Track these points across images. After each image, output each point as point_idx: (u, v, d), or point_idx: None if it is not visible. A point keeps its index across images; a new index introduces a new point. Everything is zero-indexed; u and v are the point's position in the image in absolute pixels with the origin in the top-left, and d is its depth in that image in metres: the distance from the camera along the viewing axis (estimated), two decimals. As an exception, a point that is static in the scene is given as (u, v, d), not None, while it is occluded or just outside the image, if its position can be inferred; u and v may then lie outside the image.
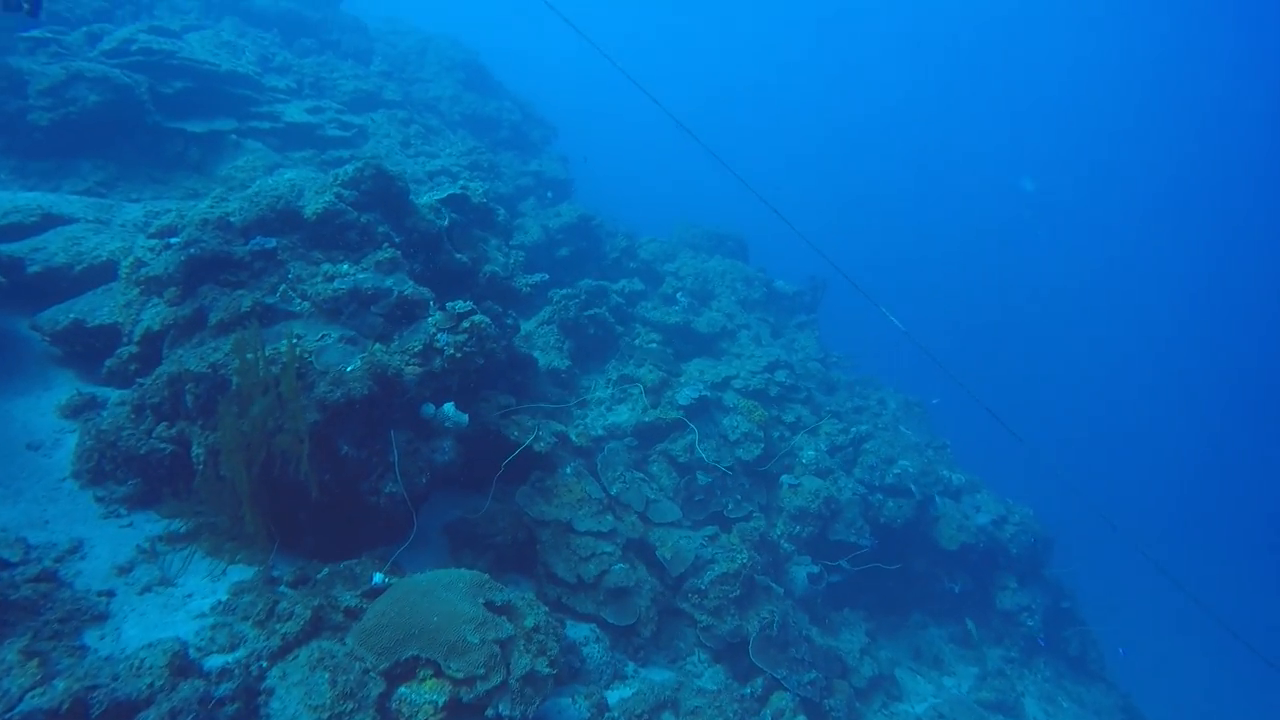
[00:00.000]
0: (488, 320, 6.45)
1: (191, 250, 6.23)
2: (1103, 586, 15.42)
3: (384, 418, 6.15)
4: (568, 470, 8.14)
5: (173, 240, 6.60)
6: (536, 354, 10.72)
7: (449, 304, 6.49)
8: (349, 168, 7.08)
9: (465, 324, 6.35)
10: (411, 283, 6.58)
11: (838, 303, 15.94)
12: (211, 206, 7.10)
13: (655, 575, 8.18)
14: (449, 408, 6.39)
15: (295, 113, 11.00)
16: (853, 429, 11.79)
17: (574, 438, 8.59)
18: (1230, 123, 54.18)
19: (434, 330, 6.35)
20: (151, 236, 6.93)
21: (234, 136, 10.25)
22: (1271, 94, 50.60)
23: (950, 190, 58.63)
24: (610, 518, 8.03)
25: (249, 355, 5.37)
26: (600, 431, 9.25)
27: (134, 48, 9.74)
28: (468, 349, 6.32)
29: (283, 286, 6.32)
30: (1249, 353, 49.94)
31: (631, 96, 10.78)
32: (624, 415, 10.42)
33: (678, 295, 12.98)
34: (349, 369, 5.83)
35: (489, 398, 8.18)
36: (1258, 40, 48.49)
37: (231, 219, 6.78)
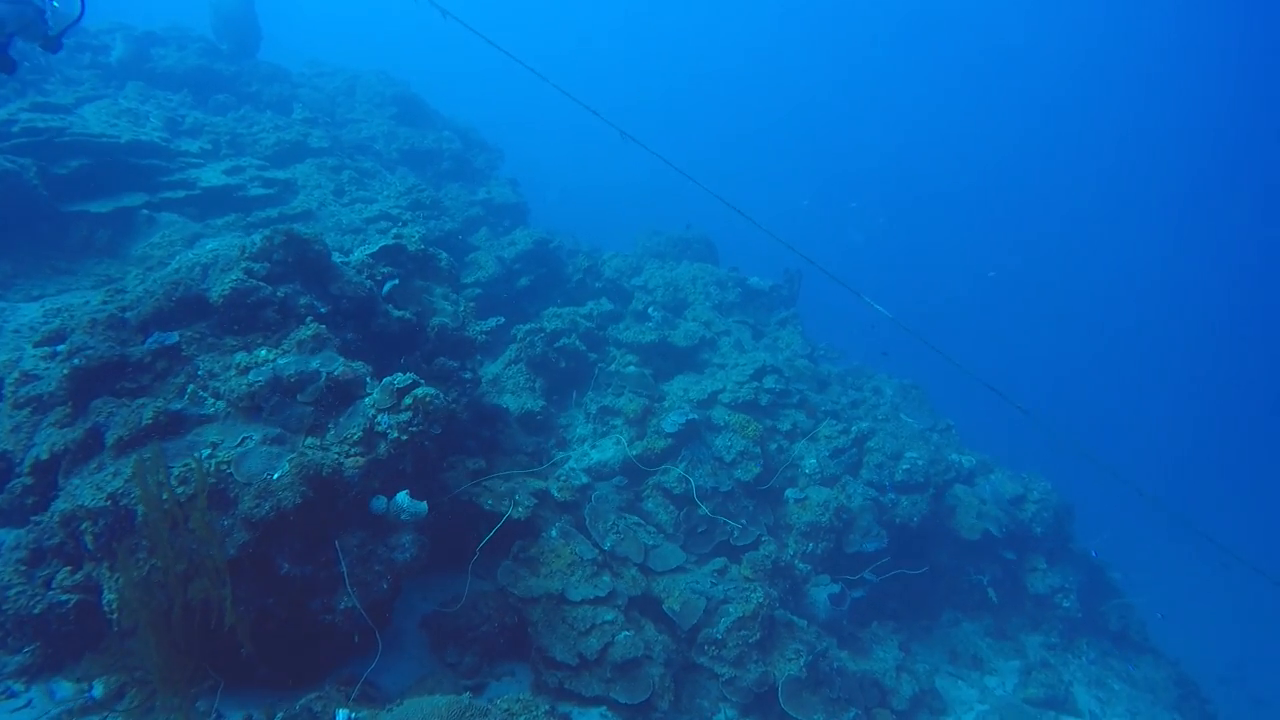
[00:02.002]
0: (433, 391, 5.54)
1: (76, 360, 5.29)
2: (1127, 550, 14.73)
3: (328, 523, 5.24)
4: (553, 533, 7.25)
5: (60, 348, 5.65)
6: (507, 397, 9.84)
7: (387, 379, 5.58)
8: (256, 237, 6.14)
9: (407, 400, 5.44)
10: (341, 360, 5.66)
11: (816, 291, 15.14)
12: (104, 301, 6.15)
13: (666, 631, 7.31)
14: (403, 498, 5.48)
15: (213, 176, 10.02)
16: (853, 428, 10.96)
17: (556, 493, 7.69)
18: (1224, 91, 53.75)
19: (372, 412, 5.44)
20: (39, 344, 5.97)
21: (145, 211, 9.25)
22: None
23: (926, 165, 57.94)
24: (607, 577, 7.15)
25: (151, 481, 4.44)
26: (584, 479, 8.36)
27: (15, 129, 8.72)
28: (414, 428, 5.42)
29: (191, 387, 5.39)
30: (1237, 311, 49.73)
31: (577, 108, 9.86)
32: (609, 451, 9.53)
33: (650, 310, 12.11)
34: (275, 476, 4.91)
35: (457, 463, 7.29)
36: (1250, 38, 48.22)
37: (127, 315, 5.83)
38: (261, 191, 10.15)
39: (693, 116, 54.81)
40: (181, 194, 9.57)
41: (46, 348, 5.98)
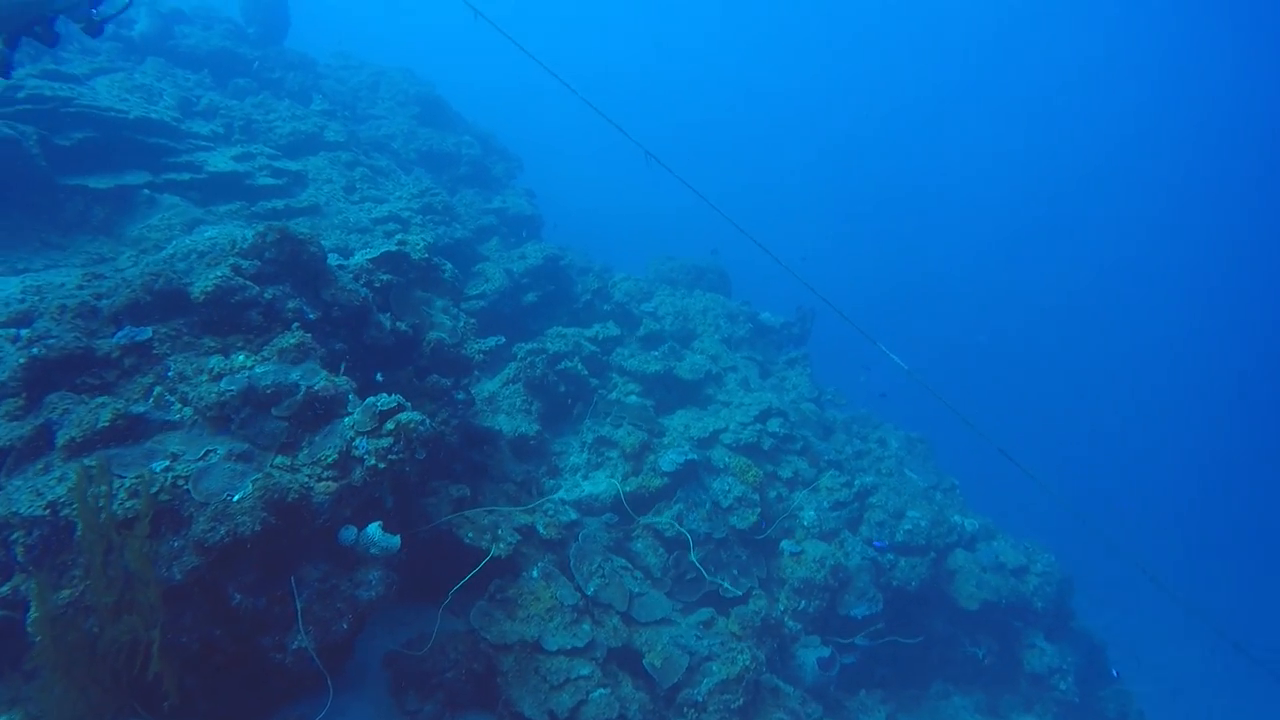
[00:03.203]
0: (418, 418, 5.08)
1: (35, 350, 4.84)
2: (1131, 630, 14.15)
3: (290, 552, 4.77)
4: (534, 573, 6.76)
5: (23, 332, 5.20)
6: (501, 418, 9.37)
7: (370, 399, 5.12)
8: (248, 233, 5.72)
9: (390, 425, 4.98)
10: (324, 374, 5.20)
11: (827, 332, 14.71)
12: (80, 285, 5.72)
13: (644, 689, 6.78)
14: (374, 530, 5.01)
15: (221, 161, 9.61)
16: (856, 481, 10.48)
17: (542, 529, 7.20)
18: (1231, 136, 53.40)
19: (350, 434, 4.98)
20: (3, 325, 5.51)
21: (147, 191, 8.83)
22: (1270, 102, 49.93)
23: (937, 210, 57.38)
24: (587, 626, 6.65)
25: (92, 495, 3.98)
26: (573, 515, 7.86)
27: (21, 95, 8.32)
28: (394, 456, 4.95)
29: (157, 389, 4.94)
30: (1257, 368, 48.69)
31: (601, 124, 9.45)
32: (601, 485, 9.06)
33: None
34: (236, 498, 4.44)
35: (439, 489, 6.81)
36: (1257, 43, 47.92)
37: (101, 302, 5.40)
38: (270, 181, 9.74)
39: (718, 147, 54.52)
40: (186, 176, 9.16)
41: (11, 330, 5.53)
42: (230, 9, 14.13)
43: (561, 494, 8.90)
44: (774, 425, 10.53)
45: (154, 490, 4.35)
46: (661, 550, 8.71)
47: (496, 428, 8.85)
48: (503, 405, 9.54)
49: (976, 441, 9.78)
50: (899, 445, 12.83)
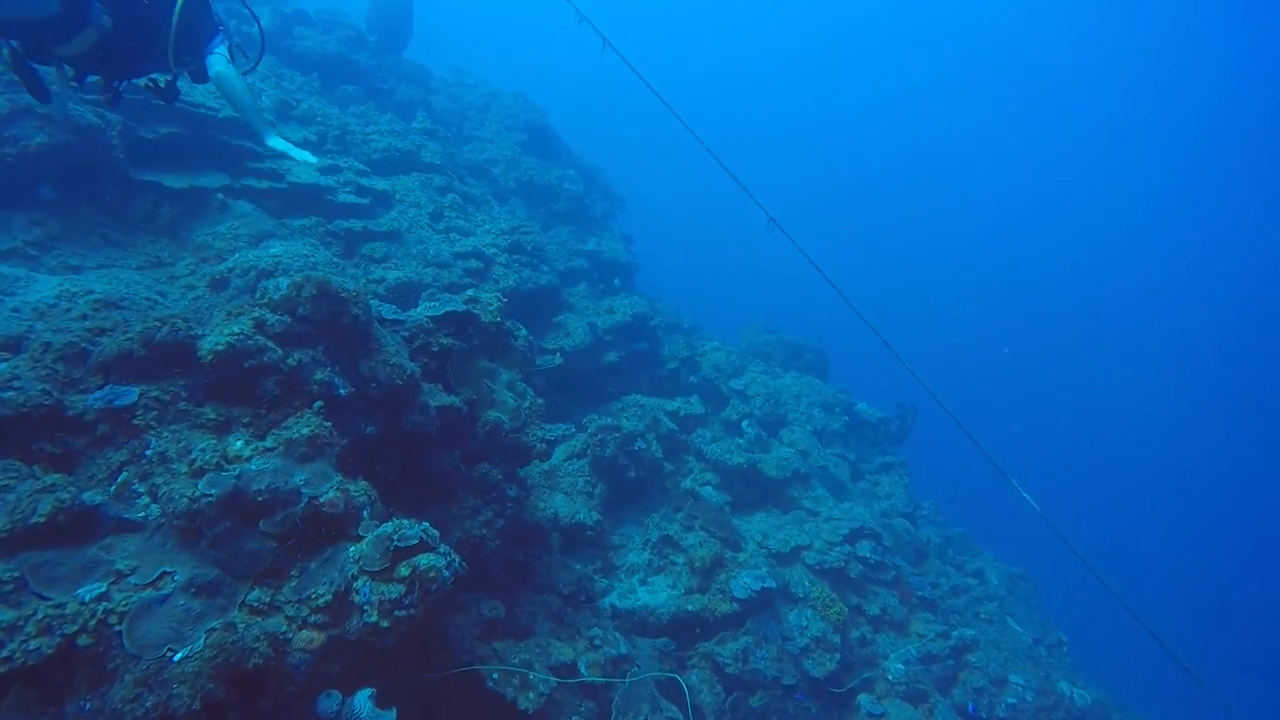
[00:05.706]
0: (441, 563, 3.73)
1: (-13, 404, 3.73)
2: None
3: (244, 723, 3.47)
4: (565, 733, 5.31)
5: (3, 367, 4.12)
6: (559, 498, 8.00)
7: (387, 527, 3.80)
8: (282, 282, 4.54)
9: (404, 570, 3.65)
10: (336, 479, 3.92)
11: (931, 428, 12.81)
12: (84, 315, 4.66)
13: None
14: (363, 703, 3.66)
15: (305, 171, 8.70)
16: (954, 633, 8.65)
17: (584, 670, 5.75)
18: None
19: (353, 570, 3.66)
20: (-9, 351, 4.49)
21: (220, 196, 7.96)
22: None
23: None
24: (619, 812, 5.14)
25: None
26: (624, 648, 6.35)
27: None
28: (401, 612, 3.60)
29: (125, 474, 3.75)
30: None
31: (726, 181, 7.99)
32: (661, 595, 7.58)
33: (744, 424, 10.13)
34: (178, 657, 3.17)
35: (469, 604, 5.47)
36: (1259, 40, 44.15)
37: (98, 341, 4.30)
38: (352, 199, 8.77)
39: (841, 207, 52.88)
40: (265, 185, 8.28)
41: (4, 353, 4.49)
42: (356, 14, 13.55)
43: (614, 599, 7.47)
44: (865, 549, 8.84)
45: (72, 630, 3.13)
46: (719, 688, 7.15)
47: (551, 513, 7.49)
48: (562, 484, 8.18)
49: (1092, 585, 7.79)
50: (999, 583, 10.87)
